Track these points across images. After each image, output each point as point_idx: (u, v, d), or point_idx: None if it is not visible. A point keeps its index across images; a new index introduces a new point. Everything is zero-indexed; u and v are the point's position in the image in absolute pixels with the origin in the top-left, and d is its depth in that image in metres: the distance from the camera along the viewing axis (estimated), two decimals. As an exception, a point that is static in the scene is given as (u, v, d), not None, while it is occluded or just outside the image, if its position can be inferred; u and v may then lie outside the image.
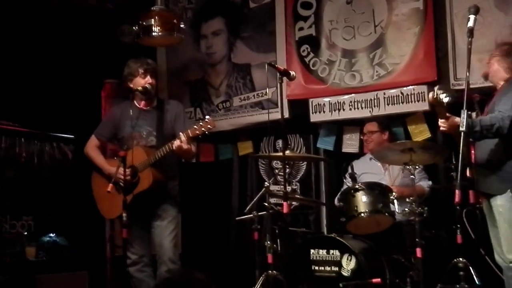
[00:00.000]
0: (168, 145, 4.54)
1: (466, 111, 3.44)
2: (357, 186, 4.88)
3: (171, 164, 4.78)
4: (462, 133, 3.57)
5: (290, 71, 4.30)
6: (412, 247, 4.55)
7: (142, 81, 4.79)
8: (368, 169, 5.39)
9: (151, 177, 4.60)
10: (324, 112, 5.71)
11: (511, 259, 3.84)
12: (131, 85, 4.82)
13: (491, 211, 4.02)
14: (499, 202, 3.90)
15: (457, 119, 3.83)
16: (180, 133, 4.47)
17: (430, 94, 3.87)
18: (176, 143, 4.44)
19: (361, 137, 5.56)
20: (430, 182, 5.21)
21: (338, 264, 4.68)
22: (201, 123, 4.43)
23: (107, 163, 4.85)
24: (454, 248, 4.07)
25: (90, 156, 4.94)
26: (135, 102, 4.83)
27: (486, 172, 3.93)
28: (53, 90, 6.05)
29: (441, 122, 3.99)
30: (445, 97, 3.80)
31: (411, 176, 4.51)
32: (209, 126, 4.40)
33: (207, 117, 4.52)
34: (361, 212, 4.77)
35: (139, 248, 4.74)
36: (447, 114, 3.92)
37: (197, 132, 4.42)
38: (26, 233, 5.79)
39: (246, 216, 5.30)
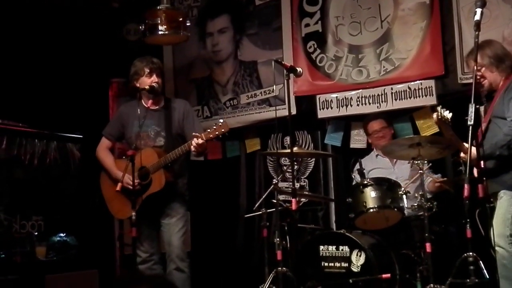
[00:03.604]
0: (182, 148, 4.53)
1: (474, 104, 3.42)
2: (365, 182, 4.87)
3: (180, 162, 4.78)
4: (470, 127, 3.54)
5: (297, 68, 4.29)
6: (421, 242, 4.55)
7: (148, 80, 4.79)
8: (376, 165, 5.38)
9: (163, 179, 4.59)
10: (331, 108, 5.70)
11: (499, 243, 3.86)
12: (137, 84, 4.82)
13: None
14: (503, 190, 3.94)
15: (475, 151, 3.84)
16: (197, 133, 4.44)
17: (434, 115, 3.88)
18: (195, 141, 4.40)
19: (369, 140, 5.51)
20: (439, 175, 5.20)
21: (348, 260, 4.68)
22: (214, 127, 4.42)
23: (115, 165, 4.84)
24: (464, 243, 4.05)
25: (99, 158, 4.94)
26: (142, 101, 4.83)
27: (496, 173, 3.92)
28: (60, 90, 6.07)
29: (462, 157, 4.09)
30: (448, 113, 3.83)
31: (419, 171, 4.50)
32: (223, 129, 4.40)
33: (221, 120, 4.52)
34: (370, 208, 4.77)
35: (148, 247, 4.75)
36: (454, 136, 3.93)
37: (211, 135, 4.41)
38: (36, 233, 5.82)
39: (255, 213, 5.31)
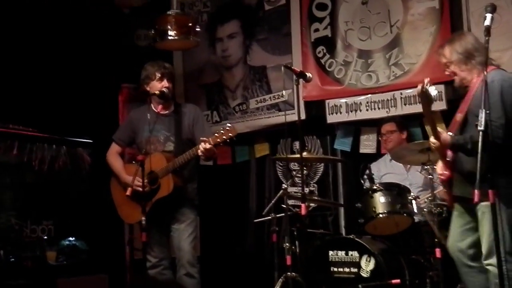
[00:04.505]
0: (189, 152, 4.53)
1: (484, 110, 3.40)
2: (375, 187, 4.87)
3: (189, 167, 4.79)
4: (481, 132, 3.53)
5: (306, 73, 4.29)
6: (431, 247, 4.53)
7: (158, 85, 4.79)
8: (390, 170, 5.36)
9: (171, 183, 4.60)
10: (340, 113, 5.70)
11: (487, 262, 3.74)
12: (148, 89, 4.83)
13: (465, 214, 3.92)
14: (483, 204, 3.70)
15: (448, 137, 3.78)
16: (205, 138, 4.45)
17: (419, 86, 3.77)
18: (203, 146, 4.41)
19: (379, 138, 5.53)
20: None
21: (357, 265, 4.68)
22: (222, 131, 4.40)
23: (124, 170, 4.86)
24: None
25: (109, 162, 4.96)
26: (152, 106, 4.84)
27: (469, 177, 3.78)
28: (71, 95, 6.10)
29: (432, 142, 3.89)
30: (434, 90, 3.77)
31: (429, 176, 4.49)
32: (230, 134, 4.38)
33: (228, 124, 4.49)
34: (380, 213, 4.76)
35: (158, 251, 4.76)
36: (433, 114, 3.84)
37: (218, 140, 4.40)
38: (46, 237, 5.84)
39: (264, 218, 5.31)
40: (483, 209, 3.75)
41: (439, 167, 4.03)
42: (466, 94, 3.95)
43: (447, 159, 3.87)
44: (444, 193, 4.96)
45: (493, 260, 3.67)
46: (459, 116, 3.91)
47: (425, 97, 3.76)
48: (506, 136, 3.68)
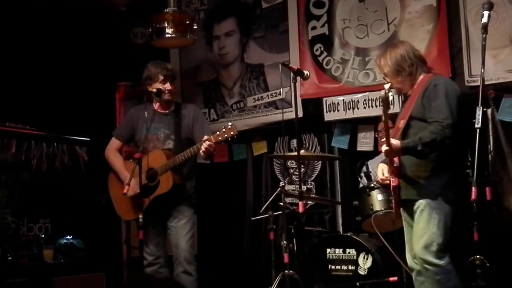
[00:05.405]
0: (190, 150, 4.54)
1: (481, 107, 3.41)
2: (372, 185, 4.87)
3: (188, 165, 4.80)
4: (478, 130, 3.54)
5: (304, 71, 4.28)
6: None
7: (161, 87, 4.78)
8: (386, 167, 5.37)
9: (171, 181, 4.60)
10: (338, 111, 5.70)
11: (426, 259, 3.71)
12: (150, 89, 4.81)
13: (412, 216, 3.90)
14: (422, 201, 3.77)
15: (398, 142, 3.75)
16: (206, 136, 4.46)
17: (382, 91, 3.73)
18: (205, 145, 4.42)
19: (376, 135, 5.54)
20: None
21: (355, 263, 4.69)
22: (223, 130, 4.43)
23: (124, 167, 4.86)
24: (471, 246, 4.05)
25: (109, 159, 4.95)
26: (152, 104, 4.83)
27: (413, 179, 3.82)
28: (68, 93, 6.10)
29: (383, 149, 3.82)
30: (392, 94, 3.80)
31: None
32: (231, 132, 4.41)
33: (229, 123, 4.51)
34: (377, 211, 4.76)
35: (155, 249, 4.75)
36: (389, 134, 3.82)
37: (220, 138, 4.42)
38: (43, 235, 5.84)
39: (261, 216, 5.31)
40: (422, 206, 3.76)
41: (381, 172, 4.01)
42: (408, 102, 3.96)
43: (395, 165, 3.85)
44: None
45: (431, 259, 3.70)
46: (401, 123, 3.92)
47: (386, 102, 3.76)
48: (454, 137, 3.68)
